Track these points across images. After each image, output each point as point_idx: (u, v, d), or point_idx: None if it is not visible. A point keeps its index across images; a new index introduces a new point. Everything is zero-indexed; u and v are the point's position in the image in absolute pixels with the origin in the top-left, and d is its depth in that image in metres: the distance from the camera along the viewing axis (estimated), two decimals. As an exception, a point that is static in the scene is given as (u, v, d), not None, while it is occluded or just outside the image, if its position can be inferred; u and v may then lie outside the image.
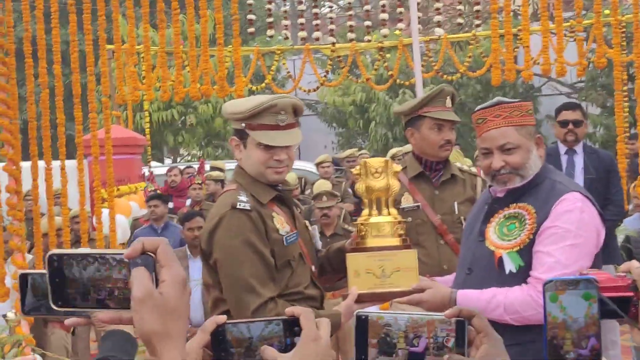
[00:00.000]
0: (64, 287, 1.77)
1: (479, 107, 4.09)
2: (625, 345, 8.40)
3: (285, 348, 1.89)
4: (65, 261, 1.77)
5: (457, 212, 5.43)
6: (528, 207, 3.87)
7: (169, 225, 10.74)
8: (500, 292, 3.80)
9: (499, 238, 3.89)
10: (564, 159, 7.98)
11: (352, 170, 4.29)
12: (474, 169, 5.74)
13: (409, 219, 5.27)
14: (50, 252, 1.77)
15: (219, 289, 3.98)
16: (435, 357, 1.88)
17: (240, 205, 3.91)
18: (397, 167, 4.15)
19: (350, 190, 13.43)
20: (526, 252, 3.81)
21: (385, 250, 3.94)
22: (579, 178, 7.74)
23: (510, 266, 3.83)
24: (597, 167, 7.84)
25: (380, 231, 4.00)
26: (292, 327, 1.92)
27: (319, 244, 4.37)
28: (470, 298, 3.84)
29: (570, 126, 7.96)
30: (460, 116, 5.61)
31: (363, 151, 16.11)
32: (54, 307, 1.78)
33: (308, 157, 25.73)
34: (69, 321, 1.84)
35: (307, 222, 4.36)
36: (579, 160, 7.94)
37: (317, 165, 14.40)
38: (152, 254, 1.73)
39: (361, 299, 3.92)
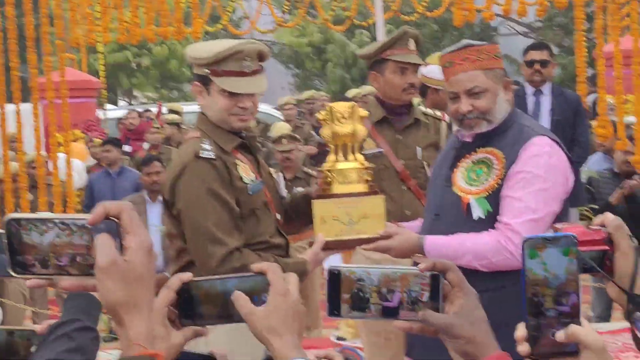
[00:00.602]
0: (23, 253, 1.68)
1: (445, 50, 4.02)
2: (586, 285, 8.46)
3: (255, 304, 1.85)
4: (24, 226, 1.68)
5: (420, 158, 5.35)
6: (496, 152, 3.82)
7: (125, 170, 10.55)
8: (468, 238, 3.76)
9: (467, 183, 3.83)
10: (530, 100, 7.92)
11: (318, 115, 4.21)
12: (438, 113, 5.64)
13: (372, 164, 5.21)
14: (8, 217, 1.68)
15: (182, 239, 3.90)
16: (409, 311, 1.84)
17: (203, 153, 3.82)
18: (364, 112, 4.09)
19: (313, 133, 13.32)
20: (494, 198, 3.77)
21: (351, 196, 3.89)
22: (546, 119, 7.69)
23: (478, 212, 3.79)
24: (563, 108, 7.77)
25: (346, 177, 3.94)
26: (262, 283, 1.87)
27: (284, 192, 4.30)
28: (439, 244, 3.80)
29: (537, 66, 7.88)
30: (418, 56, 5.51)
31: (322, 93, 15.98)
32: (12, 274, 1.70)
33: (265, 98, 25.58)
34: (30, 283, 1.75)
35: (271, 170, 4.26)
36: (546, 101, 7.88)
37: (280, 107, 14.26)
38: (115, 219, 1.65)
39: (328, 246, 3.89)
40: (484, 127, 3.86)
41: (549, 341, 1.72)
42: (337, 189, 3.93)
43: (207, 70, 3.90)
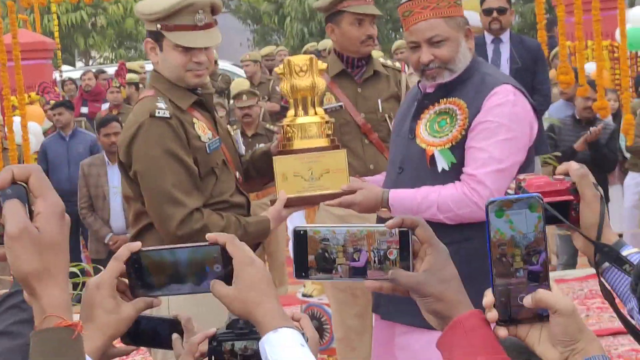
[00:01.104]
0: None
1: None
2: (550, 232, 8.46)
3: (206, 275, 1.79)
4: None
5: (381, 110, 5.27)
6: (459, 102, 3.74)
7: (77, 132, 10.38)
8: (433, 190, 3.69)
9: (430, 135, 3.75)
10: (489, 48, 7.79)
11: (276, 69, 4.11)
12: (397, 64, 5.54)
13: (332, 119, 5.13)
14: None
15: (140, 201, 3.79)
16: (378, 271, 1.77)
17: (159, 113, 3.68)
18: (322, 65, 3.99)
19: (277, 88, 13.20)
20: (459, 149, 3.70)
21: (313, 151, 3.81)
22: (505, 67, 7.58)
23: (442, 163, 3.71)
24: (523, 56, 7.67)
25: (307, 132, 3.86)
26: (220, 253, 1.79)
27: (242, 149, 4.21)
28: (403, 197, 3.73)
29: (495, 14, 7.73)
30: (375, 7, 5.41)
31: (281, 47, 15.84)
32: None
33: (224, 55, 25.38)
34: None
35: (229, 127, 4.16)
36: (505, 49, 7.76)
37: (241, 62, 14.11)
38: (23, 184, 1.53)
39: (290, 204, 3.81)
40: (446, 77, 3.78)
41: (517, 306, 1.66)
42: (297, 144, 3.85)
43: (158, 26, 3.76)
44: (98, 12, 25.46)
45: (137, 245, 1.77)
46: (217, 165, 3.84)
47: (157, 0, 3.84)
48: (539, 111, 7.39)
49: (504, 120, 3.65)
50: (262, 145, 8.70)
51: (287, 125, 3.88)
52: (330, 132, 3.91)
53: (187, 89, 3.86)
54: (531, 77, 7.61)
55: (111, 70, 16.21)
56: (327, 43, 12.12)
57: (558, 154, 8.51)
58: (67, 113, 10.21)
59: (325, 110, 5.14)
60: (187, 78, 3.81)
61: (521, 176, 2.12)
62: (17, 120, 9.80)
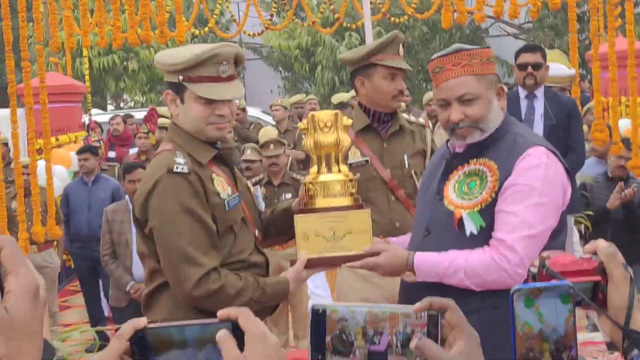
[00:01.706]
0: None
1: (435, 55, 3.77)
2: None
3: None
4: None
5: (407, 166, 5.13)
6: (489, 163, 3.57)
7: (100, 178, 10.32)
8: (460, 254, 3.51)
9: (459, 197, 3.59)
10: (523, 103, 7.65)
11: (300, 124, 3.97)
12: (421, 120, 5.42)
13: (357, 174, 4.99)
14: None
15: (155, 259, 3.64)
16: (400, 356, 1.60)
17: (177, 168, 3.55)
18: (348, 121, 3.83)
19: (304, 137, 13.08)
20: (488, 212, 3.52)
21: (335, 210, 3.64)
22: (539, 124, 7.45)
23: (471, 227, 3.54)
24: (557, 113, 7.51)
25: (330, 190, 3.69)
26: (234, 330, 1.63)
27: (262, 206, 4.05)
28: (429, 261, 3.56)
29: (530, 69, 7.60)
30: (406, 58, 5.30)
31: (310, 97, 15.76)
32: None
33: (254, 102, 25.39)
34: None
35: (249, 183, 4.01)
36: (539, 105, 7.60)
37: (270, 108, 14.03)
38: None
39: (311, 264, 3.65)
40: (476, 137, 3.62)
41: None
42: (320, 202, 3.68)
43: (180, 77, 3.63)
44: (130, 57, 25.57)
45: (142, 322, 1.61)
46: (235, 223, 3.69)
47: (180, 51, 3.73)
48: (572, 169, 7.25)
49: (537, 184, 3.48)
50: (289, 195, 8.68)
51: (310, 183, 3.72)
52: (354, 190, 3.74)
53: (207, 142, 3.72)
54: (565, 134, 7.45)
55: (140, 114, 16.16)
56: (352, 95, 12.00)
57: (590, 212, 8.31)
58: (92, 159, 10.16)
59: (351, 165, 5.02)
60: (209, 131, 3.68)
61: (545, 253, 1.97)
62: (41, 164, 9.73)
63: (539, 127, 7.39)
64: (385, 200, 5.07)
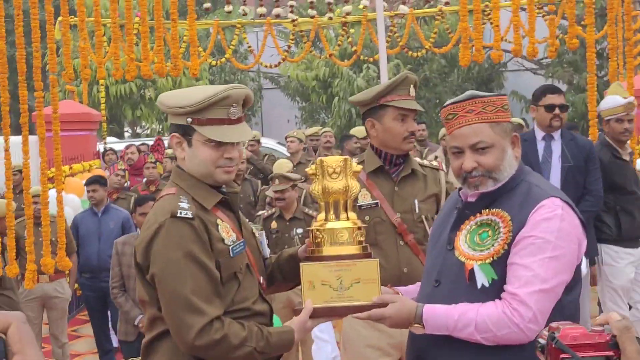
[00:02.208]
0: None
1: (449, 101, 3.68)
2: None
3: None
4: None
5: (417, 211, 5.02)
6: (502, 214, 3.47)
7: (110, 208, 10.28)
8: (471, 308, 3.40)
9: (470, 248, 3.48)
10: (540, 145, 7.52)
11: (307, 170, 3.88)
12: (435, 163, 5.31)
13: (367, 217, 4.89)
14: None
15: (156, 306, 3.52)
16: None
17: (181, 213, 3.45)
18: (357, 167, 3.73)
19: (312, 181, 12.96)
20: (500, 264, 3.41)
21: (343, 259, 3.53)
22: (556, 166, 7.34)
23: (482, 279, 3.43)
24: (575, 155, 7.39)
25: (337, 238, 3.58)
26: None
27: (267, 252, 3.95)
28: (438, 314, 3.44)
29: (557, 111, 7.47)
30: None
31: (326, 129, 15.70)
32: None
33: (271, 132, 25.41)
34: None
35: (253, 228, 3.91)
36: (557, 147, 7.48)
37: (285, 139, 13.96)
38: (2, 335, 1.31)
39: (317, 314, 3.54)
40: (489, 186, 3.52)
41: None
42: (327, 250, 3.57)
43: (189, 120, 3.54)
44: (147, 85, 25.61)
45: None
46: (240, 270, 3.58)
47: (188, 93, 3.63)
48: (590, 212, 7.09)
49: (551, 237, 3.36)
50: (299, 230, 8.58)
51: (317, 230, 3.62)
52: (362, 238, 3.63)
53: (212, 187, 3.63)
54: (583, 176, 7.35)
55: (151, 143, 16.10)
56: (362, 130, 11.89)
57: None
58: (101, 190, 10.12)
59: (360, 207, 4.92)
60: (217, 175, 3.59)
61: (554, 324, 1.87)
62: (52, 193, 9.68)
63: (556, 170, 7.30)
64: (393, 244, 4.96)
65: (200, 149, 3.57)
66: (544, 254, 3.35)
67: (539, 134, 7.56)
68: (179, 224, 3.44)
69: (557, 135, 7.53)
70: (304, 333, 3.60)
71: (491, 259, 3.42)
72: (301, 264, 3.58)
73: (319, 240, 3.61)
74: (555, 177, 7.31)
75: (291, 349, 3.68)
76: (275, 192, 8.53)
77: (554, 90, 7.68)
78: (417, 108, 5.05)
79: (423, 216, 4.99)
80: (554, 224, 3.39)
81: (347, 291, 3.50)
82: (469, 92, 3.63)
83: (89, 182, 10.32)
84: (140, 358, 8.03)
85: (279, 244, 8.20)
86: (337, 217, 3.64)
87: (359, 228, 3.64)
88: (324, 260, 3.55)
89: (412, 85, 5.05)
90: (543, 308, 3.32)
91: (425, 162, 5.27)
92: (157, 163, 12.60)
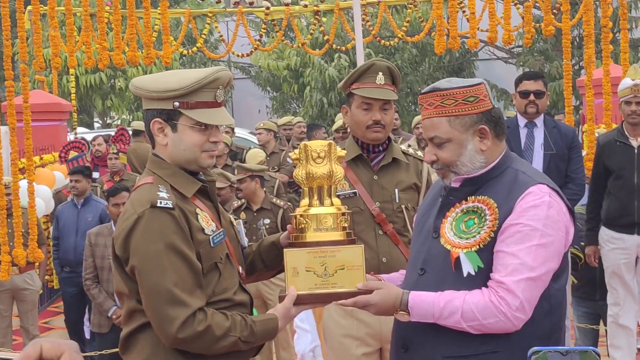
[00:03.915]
0: None
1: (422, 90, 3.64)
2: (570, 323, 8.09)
3: None
4: None
5: (397, 200, 4.92)
6: (488, 201, 3.41)
7: (90, 200, 10.12)
8: (458, 296, 3.34)
9: (456, 235, 3.42)
10: (523, 132, 7.51)
11: (291, 154, 3.82)
12: (420, 153, 5.21)
13: (345, 207, 4.82)
14: None
15: (135, 298, 3.42)
16: None
17: (161, 203, 3.35)
18: (341, 152, 3.67)
19: (289, 160, 12.94)
20: (486, 252, 3.36)
21: (327, 245, 3.47)
22: (538, 153, 7.32)
23: (468, 267, 3.37)
24: (557, 142, 7.39)
25: (321, 224, 3.53)
26: None
27: (245, 241, 3.87)
28: (424, 301, 3.38)
29: (532, 97, 7.46)
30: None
31: (299, 118, 15.62)
32: None
33: (242, 122, 25.25)
34: None
35: (231, 217, 3.85)
36: (539, 134, 7.47)
37: (256, 130, 13.91)
38: None
39: (301, 301, 3.47)
40: (452, 179, 3.50)
41: None
42: (311, 236, 3.51)
43: (176, 104, 3.43)
44: (117, 75, 25.40)
45: None
46: (220, 260, 3.49)
47: (171, 77, 3.52)
48: (573, 200, 7.08)
49: (538, 225, 3.31)
50: (267, 221, 8.52)
51: (300, 216, 3.55)
52: (346, 224, 3.58)
53: (192, 174, 3.55)
54: (565, 164, 7.36)
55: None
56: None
57: (583, 243, 8.15)
58: (84, 181, 9.93)
59: (338, 196, 4.84)
60: (201, 159, 3.51)
61: None
62: (23, 184, 9.53)
63: (538, 157, 7.30)
64: (372, 234, 4.88)
65: (187, 133, 3.47)
66: (531, 241, 3.30)
67: (522, 120, 7.57)
68: (159, 214, 3.35)
69: (539, 122, 7.51)
70: (287, 320, 3.53)
71: (477, 246, 3.37)
72: (285, 250, 3.52)
73: (302, 226, 3.55)
74: (538, 164, 7.28)
75: (275, 337, 3.61)
76: (234, 182, 8.56)
77: (531, 76, 7.68)
78: (378, 96, 4.90)
79: (403, 206, 4.89)
80: (541, 211, 3.34)
81: (331, 278, 3.45)
82: (431, 85, 3.56)
83: (72, 172, 10.12)
84: (114, 350, 7.95)
85: (246, 235, 8.17)
86: (321, 203, 3.58)
87: (343, 214, 3.58)
88: (307, 246, 3.49)
89: (380, 73, 4.90)
90: (530, 296, 3.27)
91: (411, 150, 5.17)
92: (120, 154, 12.46)
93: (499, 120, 3.54)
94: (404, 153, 5.08)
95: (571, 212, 3.48)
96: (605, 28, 8.77)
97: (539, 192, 3.37)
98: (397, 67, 5.12)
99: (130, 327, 3.49)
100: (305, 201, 3.61)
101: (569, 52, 8.77)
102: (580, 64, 18.31)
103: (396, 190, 4.92)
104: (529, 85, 7.51)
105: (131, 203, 3.45)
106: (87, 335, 9.96)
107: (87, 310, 9.87)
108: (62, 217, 9.95)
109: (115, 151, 12.21)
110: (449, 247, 3.42)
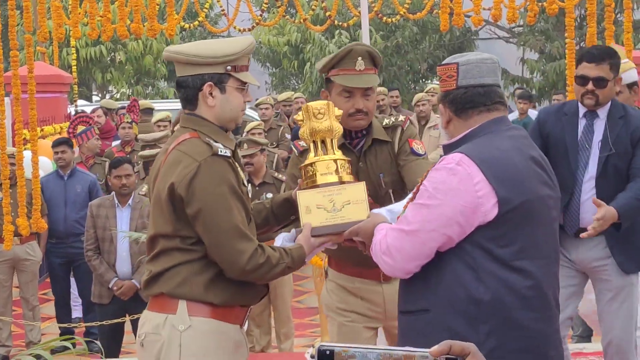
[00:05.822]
0: None
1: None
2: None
3: None
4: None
5: (384, 186, 4.74)
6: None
7: (76, 172, 10.03)
8: (383, 231, 3.66)
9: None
10: (581, 123, 5.67)
11: (296, 117, 4.24)
12: (401, 118, 4.90)
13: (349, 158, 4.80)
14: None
15: (179, 238, 3.79)
16: None
17: (221, 151, 3.78)
18: (339, 111, 4.16)
19: (287, 136, 12.98)
20: None
21: (334, 185, 3.98)
22: (595, 154, 5.63)
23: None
24: (620, 138, 5.60)
25: (328, 168, 4.01)
26: None
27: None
28: (379, 229, 3.72)
29: (590, 85, 5.55)
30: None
31: (298, 94, 15.66)
32: None
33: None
34: None
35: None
36: (600, 127, 5.64)
37: (257, 106, 13.93)
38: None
39: (316, 232, 3.92)
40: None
41: None
42: (319, 180, 3.99)
43: (228, 67, 3.88)
44: (118, 48, 25.41)
45: None
46: (251, 211, 3.96)
47: (221, 44, 3.96)
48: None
49: (430, 187, 3.46)
50: (270, 194, 8.52)
51: (309, 165, 4.02)
52: (349, 170, 4.07)
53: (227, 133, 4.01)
54: (626, 164, 5.59)
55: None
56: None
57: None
58: (69, 152, 9.92)
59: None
60: (240, 117, 4.00)
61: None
62: (27, 154, 9.56)
63: (594, 158, 5.63)
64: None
65: (234, 94, 3.91)
66: (418, 200, 3.52)
67: (581, 109, 5.70)
68: (219, 161, 3.77)
69: (603, 112, 5.66)
70: (311, 248, 3.95)
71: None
72: (297, 192, 3.98)
73: (310, 173, 4.02)
74: (592, 166, 5.63)
75: (305, 263, 4.03)
76: (244, 156, 8.44)
77: (593, 57, 5.66)
78: (357, 85, 4.68)
79: (390, 190, 4.75)
80: (439, 175, 3.44)
81: (339, 212, 3.93)
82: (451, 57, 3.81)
83: (56, 143, 10.06)
84: (115, 321, 8.01)
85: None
86: (325, 153, 4.06)
87: (346, 161, 4.07)
88: (317, 187, 3.98)
89: (360, 59, 4.68)
90: (400, 246, 3.48)
91: (391, 120, 4.89)
92: (133, 123, 12.49)
93: (461, 100, 3.58)
94: (385, 127, 4.85)
95: (496, 189, 3.40)
96: (608, 7, 8.79)
97: (450, 159, 3.46)
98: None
99: (164, 266, 3.82)
100: (311, 154, 4.07)
101: (572, 30, 8.76)
102: (582, 44, 18.33)
103: (381, 176, 4.75)
104: (588, 69, 5.59)
105: (186, 154, 3.80)
106: (76, 314, 10.05)
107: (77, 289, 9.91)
108: (47, 189, 9.80)
109: (129, 120, 12.27)
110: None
